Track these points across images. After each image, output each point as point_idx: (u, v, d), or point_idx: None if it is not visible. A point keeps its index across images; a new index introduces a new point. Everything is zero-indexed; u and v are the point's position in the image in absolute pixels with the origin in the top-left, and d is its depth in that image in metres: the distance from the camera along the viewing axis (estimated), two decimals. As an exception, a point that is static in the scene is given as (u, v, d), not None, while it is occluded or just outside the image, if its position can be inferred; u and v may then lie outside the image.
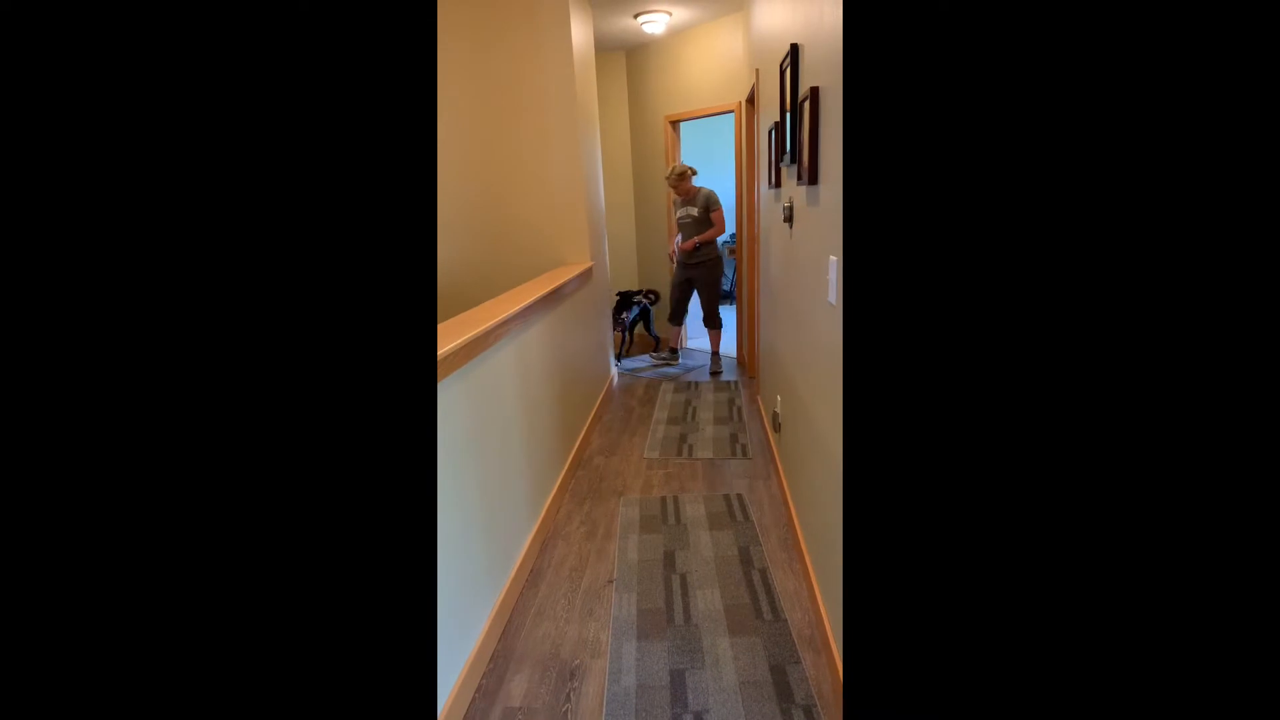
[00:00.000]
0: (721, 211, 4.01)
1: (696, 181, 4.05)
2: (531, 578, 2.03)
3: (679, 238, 4.19)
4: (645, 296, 4.78)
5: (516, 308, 1.95)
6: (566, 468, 2.66)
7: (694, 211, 3.95)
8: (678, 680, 1.55)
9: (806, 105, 1.61)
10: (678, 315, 4.40)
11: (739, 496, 2.49)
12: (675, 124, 4.50)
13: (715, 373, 4.23)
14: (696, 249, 4.05)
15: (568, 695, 1.53)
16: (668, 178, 3.95)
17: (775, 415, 2.62)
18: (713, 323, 4.27)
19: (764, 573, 1.99)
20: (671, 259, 4.36)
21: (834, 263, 1.40)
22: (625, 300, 4.74)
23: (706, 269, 4.13)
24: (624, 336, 4.85)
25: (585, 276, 3.24)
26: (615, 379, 4.17)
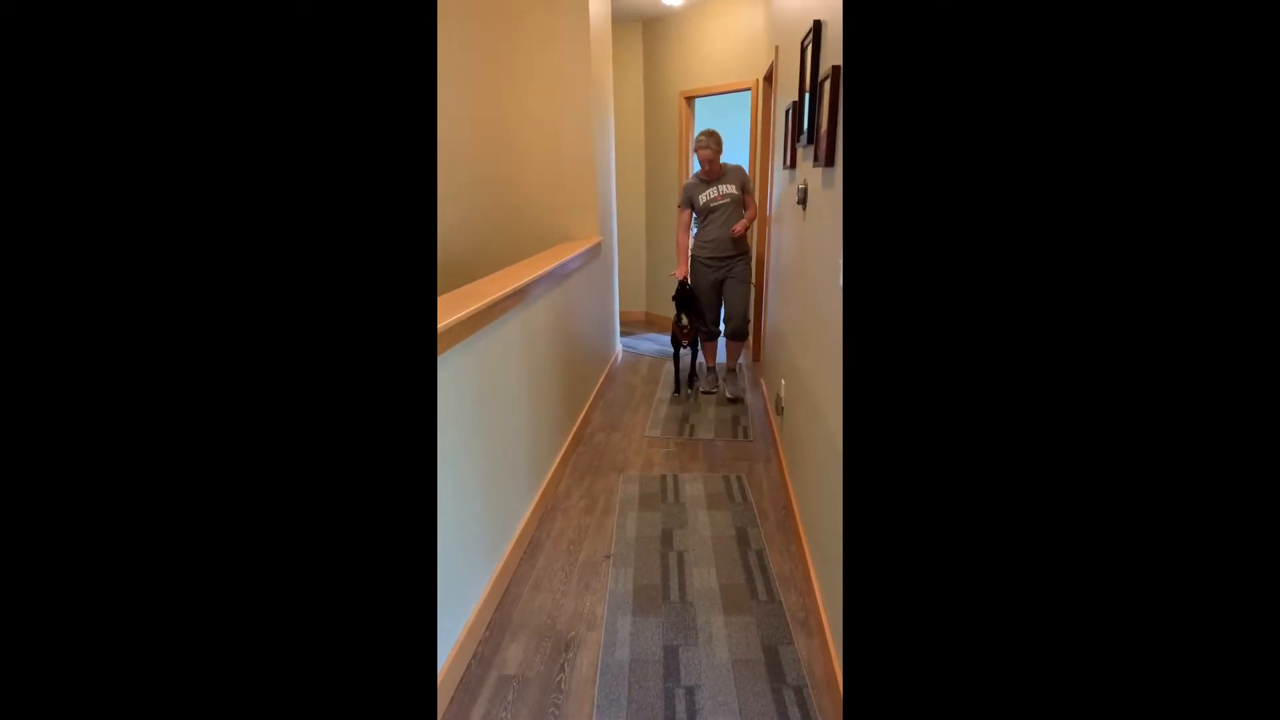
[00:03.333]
0: (753, 193, 3.30)
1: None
2: (530, 549, 2.05)
3: (698, 238, 3.31)
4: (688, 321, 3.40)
5: (522, 281, 1.94)
6: (568, 443, 2.67)
7: (732, 189, 3.15)
8: (671, 656, 1.57)
9: (827, 85, 1.58)
10: (715, 326, 3.41)
11: (738, 478, 2.50)
12: (690, 100, 4.43)
13: (736, 398, 3.32)
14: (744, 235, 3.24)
15: (562, 665, 1.55)
16: (704, 147, 3.04)
17: (778, 398, 2.61)
18: (743, 333, 3.41)
19: (760, 554, 2.00)
20: (685, 280, 3.29)
21: (847, 247, 1.38)
22: (683, 301, 3.32)
23: (744, 264, 3.30)
24: (691, 363, 3.56)
25: (593, 252, 3.22)
26: (619, 357, 4.16)
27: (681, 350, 3.52)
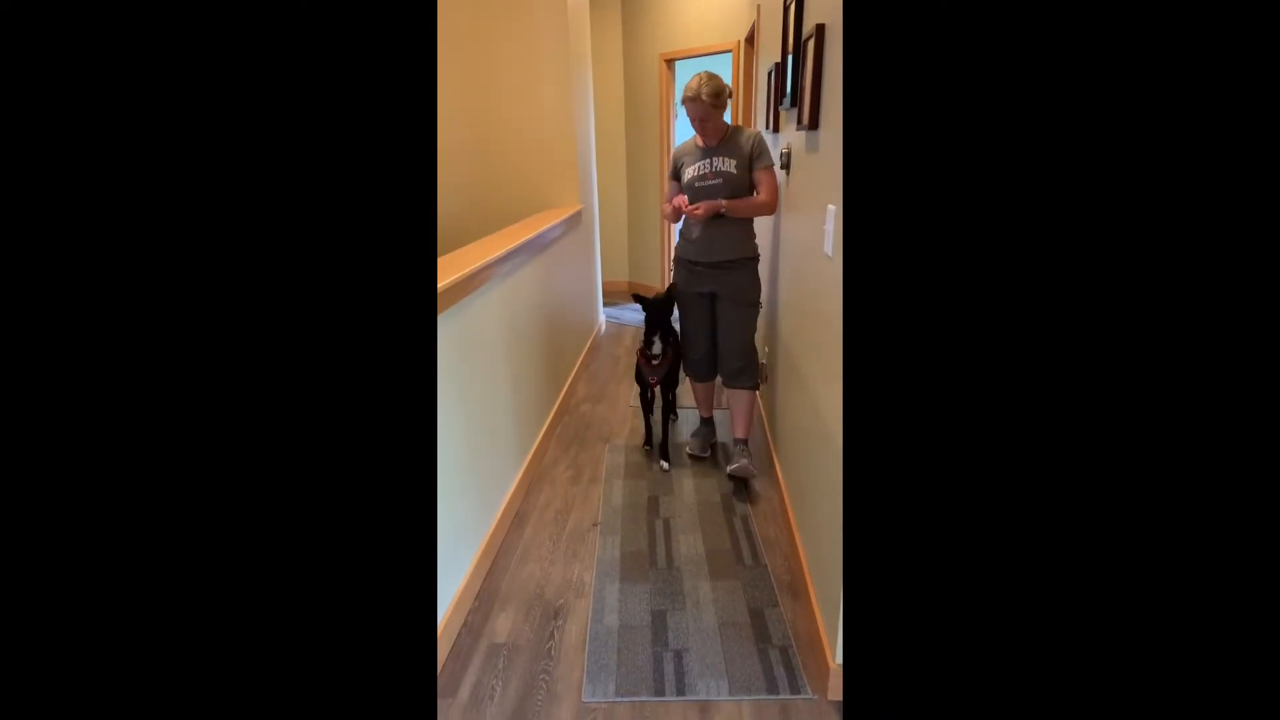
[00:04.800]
0: (773, 171, 2.05)
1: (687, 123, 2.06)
2: (517, 520, 2.05)
3: (682, 232, 2.22)
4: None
5: (503, 250, 1.90)
6: (553, 414, 2.66)
7: (730, 165, 2.03)
8: (659, 620, 1.60)
9: (810, 44, 1.54)
10: (706, 362, 2.29)
11: (723, 444, 2.52)
12: (671, 63, 4.33)
13: (743, 475, 2.15)
14: (718, 222, 2.05)
15: (551, 633, 1.57)
16: (692, 98, 1.96)
17: (761, 367, 2.62)
18: (747, 376, 2.21)
19: (745, 519, 2.03)
20: (671, 218, 2.14)
21: (832, 212, 1.37)
22: (658, 313, 2.25)
23: (742, 275, 2.14)
24: (664, 420, 2.42)
25: (574, 220, 3.17)
26: (603, 327, 4.14)
27: (651, 395, 2.35)
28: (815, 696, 1.37)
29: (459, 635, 1.56)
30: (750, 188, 2.05)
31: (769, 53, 2.49)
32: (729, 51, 3.91)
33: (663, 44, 4.30)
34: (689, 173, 2.10)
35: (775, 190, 2.03)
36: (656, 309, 2.26)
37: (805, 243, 1.72)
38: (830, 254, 1.39)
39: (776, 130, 2.31)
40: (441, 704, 1.37)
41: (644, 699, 1.37)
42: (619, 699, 1.37)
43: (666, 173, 2.32)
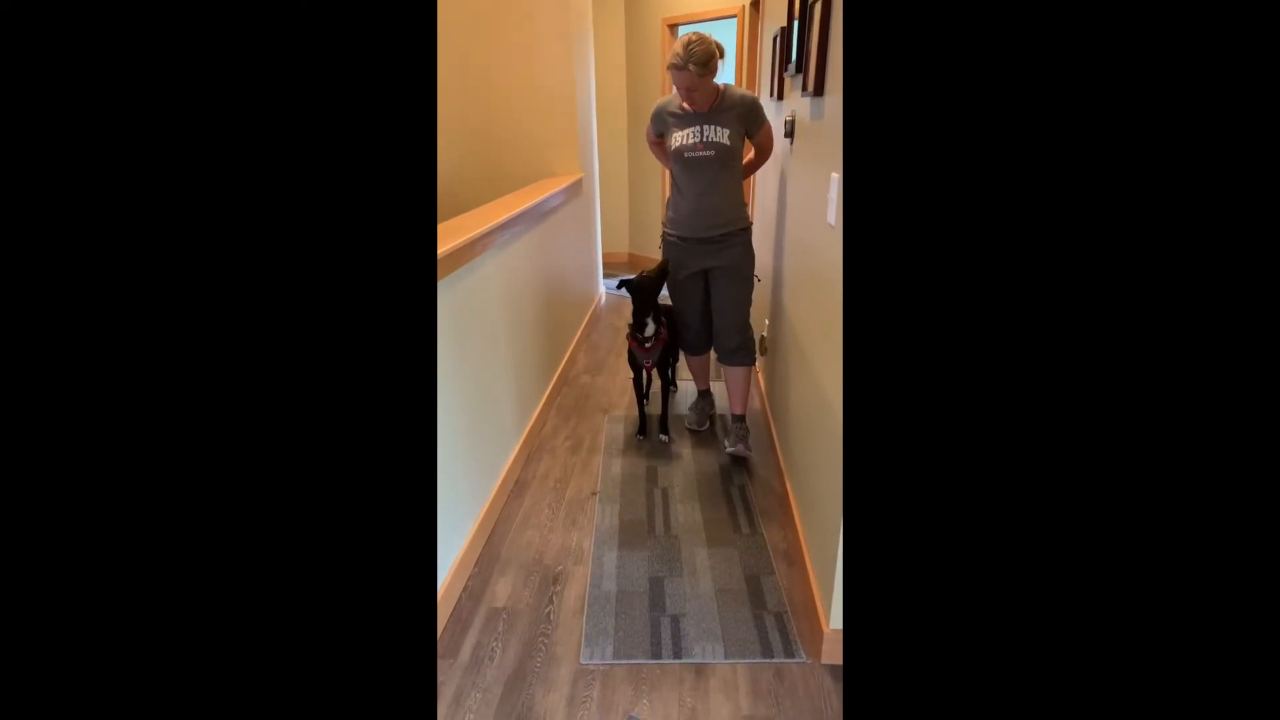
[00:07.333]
0: (770, 131, 2.05)
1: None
2: (517, 488, 2.07)
3: (670, 207, 2.15)
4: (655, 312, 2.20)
5: (501, 219, 1.88)
6: (553, 384, 2.67)
7: (723, 136, 1.94)
8: (656, 587, 1.62)
9: (817, 8, 1.50)
10: (700, 338, 2.27)
11: (722, 416, 2.53)
12: (674, 27, 4.23)
13: (741, 456, 2.18)
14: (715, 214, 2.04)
15: (550, 598, 1.60)
16: (679, 65, 1.81)
17: (761, 339, 2.62)
18: (744, 354, 2.18)
19: (743, 489, 2.05)
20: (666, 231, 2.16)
21: (836, 180, 1.35)
22: (646, 295, 2.15)
23: (737, 249, 2.08)
24: (665, 380, 2.44)
25: (574, 189, 3.13)
26: (603, 299, 4.12)
27: (646, 374, 2.38)
28: (809, 660, 1.40)
29: (459, 599, 1.59)
30: (741, 154, 2.03)
31: (774, 17, 2.43)
32: (734, 16, 3.82)
33: (666, 8, 4.20)
34: (678, 139, 2.00)
35: (771, 134, 2.08)
36: (644, 292, 2.13)
37: (806, 212, 1.71)
38: (833, 223, 1.38)
39: (781, 98, 2.27)
40: (443, 664, 1.40)
41: (641, 661, 1.40)
42: (617, 661, 1.40)
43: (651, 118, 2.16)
